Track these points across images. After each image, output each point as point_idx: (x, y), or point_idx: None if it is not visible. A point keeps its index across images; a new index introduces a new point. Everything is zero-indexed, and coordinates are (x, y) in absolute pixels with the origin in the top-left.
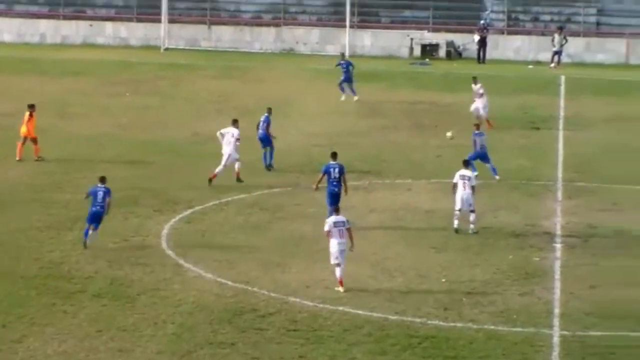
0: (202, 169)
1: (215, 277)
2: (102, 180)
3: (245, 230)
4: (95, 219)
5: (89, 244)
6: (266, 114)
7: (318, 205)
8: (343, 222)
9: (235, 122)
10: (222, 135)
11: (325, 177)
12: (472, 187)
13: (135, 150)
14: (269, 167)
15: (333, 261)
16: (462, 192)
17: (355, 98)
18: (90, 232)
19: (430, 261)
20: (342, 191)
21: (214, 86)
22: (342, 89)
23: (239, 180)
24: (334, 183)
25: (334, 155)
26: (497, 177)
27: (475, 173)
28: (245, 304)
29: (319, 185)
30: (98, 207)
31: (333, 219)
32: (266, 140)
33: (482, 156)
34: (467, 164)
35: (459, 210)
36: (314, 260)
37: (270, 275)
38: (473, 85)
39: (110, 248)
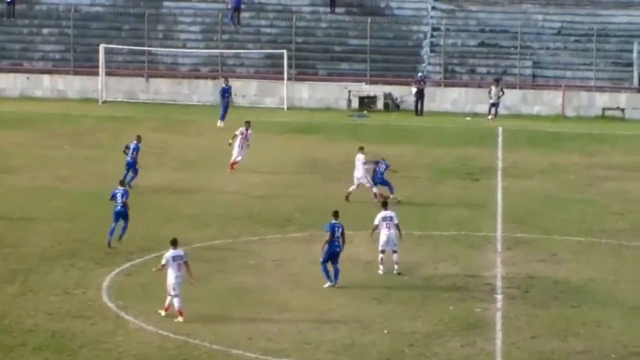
0: (142, 221)
1: (157, 329)
2: (122, 183)
3: (186, 282)
4: (120, 216)
5: (120, 240)
6: (135, 142)
7: (259, 257)
8: (181, 256)
9: (361, 149)
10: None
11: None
12: (397, 226)
13: (75, 203)
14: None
15: (172, 292)
16: (387, 233)
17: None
18: (117, 231)
19: (372, 312)
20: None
21: (153, 138)
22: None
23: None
24: (336, 243)
25: (336, 214)
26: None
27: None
28: (188, 356)
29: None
30: (119, 207)
31: (171, 253)
32: (132, 166)
33: (380, 181)
34: (385, 205)
35: (383, 251)
36: (256, 312)
37: (212, 327)
38: (245, 130)
39: (51, 301)
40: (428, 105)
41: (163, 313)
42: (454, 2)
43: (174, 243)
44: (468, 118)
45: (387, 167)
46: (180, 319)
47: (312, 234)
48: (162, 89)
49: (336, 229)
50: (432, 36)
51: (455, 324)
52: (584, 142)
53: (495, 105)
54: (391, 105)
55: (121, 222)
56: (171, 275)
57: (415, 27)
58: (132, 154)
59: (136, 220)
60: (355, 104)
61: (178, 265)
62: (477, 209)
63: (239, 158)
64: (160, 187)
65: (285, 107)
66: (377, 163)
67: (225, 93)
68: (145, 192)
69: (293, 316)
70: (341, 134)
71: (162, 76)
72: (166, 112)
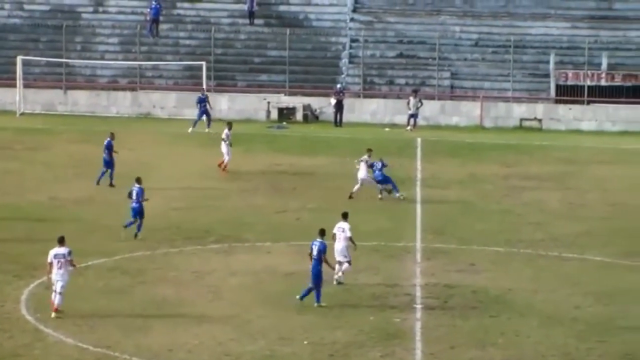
0: (61, 233)
1: (76, 342)
2: (138, 180)
3: (105, 294)
4: (136, 212)
5: (136, 237)
6: (109, 139)
7: (179, 269)
8: (63, 254)
9: (369, 150)
10: (358, 162)
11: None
12: (349, 239)
13: None
14: (111, 185)
15: (53, 289)
16: (337, 244)
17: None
18: (134, 225)
19: (292, 323)
20: (324, 269)
21: (72, 150)
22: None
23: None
24: (314, 261)
25: (321, 233)
26: (400, 195)
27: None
28: None
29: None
30: (134, 204)
31: (54, 251)
32: (110, 163)
33: (383, 179)
34: (345, 216)
35: (339, 262)
36: (176, 323)
37: (132, 340)
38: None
39: None
40: (347, 116)
41: (54, 315)
42: (373, 13)
43: (60, 241)
44: (387, 129)
45: (383, 165)
46: (53, 314)
47: (231, 245)
48: (81, 100)
49: (313, 247)
50: (350, 47)
51: (375, 334)
52: (502, 153)
53: (414, 116)
54: (310, 116)
55: (136, 220)
56: (53, 273)
57: (333, 39)
58: (106, 151)
59: (55, 232)
60: (274, 115)
61: (59, 263)
62: (396, 220)
63: (227, 158)
64: (80, 199)
65: (204, 118)
66: (371, 166)
67: (202, 102)
68: (65, 203)
69: (213, 328)
70: (260, 145)
71: (80, 88)
72: (85, 124)
